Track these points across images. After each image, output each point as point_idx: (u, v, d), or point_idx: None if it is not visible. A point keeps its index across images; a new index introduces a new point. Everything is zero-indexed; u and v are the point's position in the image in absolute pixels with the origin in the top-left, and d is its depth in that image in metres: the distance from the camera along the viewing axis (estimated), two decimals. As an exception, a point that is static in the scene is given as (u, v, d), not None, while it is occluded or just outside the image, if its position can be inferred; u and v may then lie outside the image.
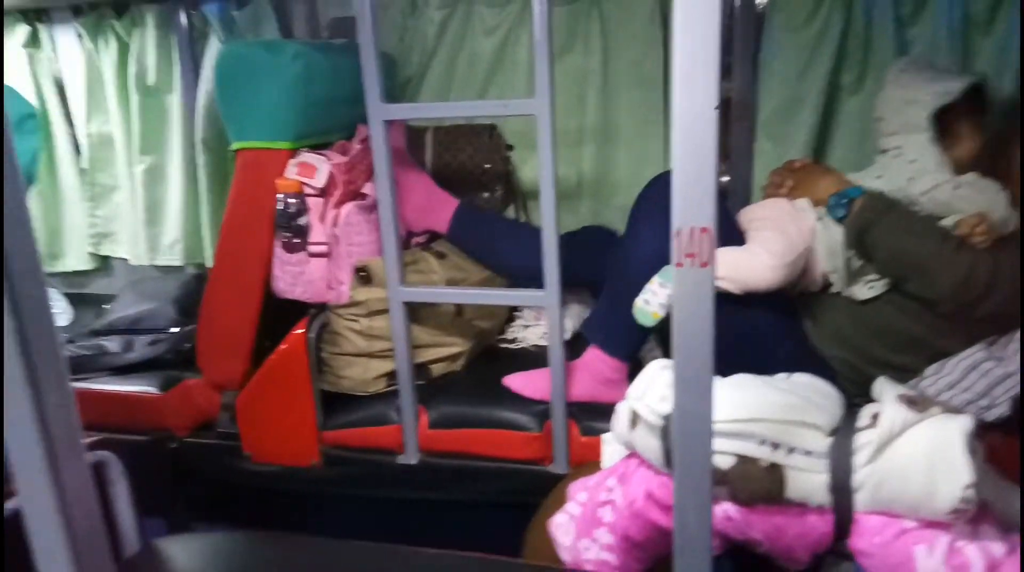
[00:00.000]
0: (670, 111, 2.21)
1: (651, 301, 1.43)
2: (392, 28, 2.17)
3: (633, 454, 1.11)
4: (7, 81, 2.32)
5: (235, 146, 1.69)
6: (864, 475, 0.93)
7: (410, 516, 1.79)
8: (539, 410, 1.62)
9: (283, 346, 1.69)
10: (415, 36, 2.16)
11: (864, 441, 0.94)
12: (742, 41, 1.94)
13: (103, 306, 2.18)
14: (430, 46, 2.16)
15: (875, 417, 0.95)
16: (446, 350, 1.79)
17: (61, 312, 2.19)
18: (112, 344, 1.94)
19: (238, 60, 1.64)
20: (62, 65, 2.43)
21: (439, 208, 1.87)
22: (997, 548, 0.91)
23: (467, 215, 1.88)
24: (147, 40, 2.28)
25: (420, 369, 1.73)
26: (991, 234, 1.32)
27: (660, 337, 1.63)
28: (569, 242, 1.57)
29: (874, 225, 1.39)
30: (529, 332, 1.94)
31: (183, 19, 2.25)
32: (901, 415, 0.93)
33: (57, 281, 2.55)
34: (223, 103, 1.68)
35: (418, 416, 1.67)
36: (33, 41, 2.39)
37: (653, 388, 1.04)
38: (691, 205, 0.82)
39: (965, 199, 1.37)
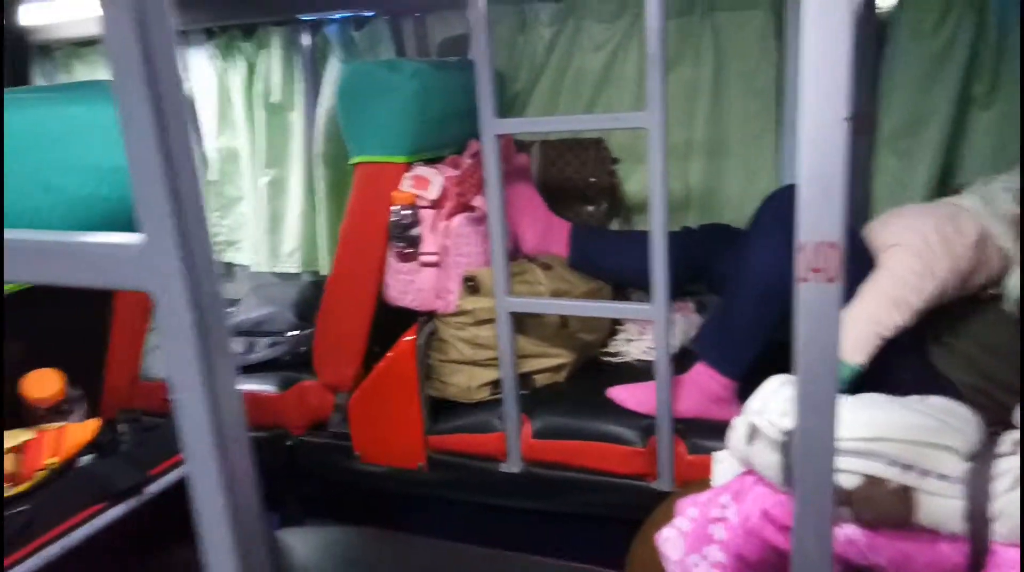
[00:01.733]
0: (782, 123, 2.17)
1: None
2: (502, 45, 2.22)
3: (749, 471, 1.09)
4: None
5: (354, 160, 1.77)
6: (1004, 504, 0.87)
7: (510, 524, 1.81)
8: (643, 425, 1.61)
9: (393, 352, 1.75)
10: (524, 52, 2.21)
11: (1005, 468, 0.88)
12: (863, 51, 1.87)
13: (227, 309, 2.31)
14: (539, 62, 2.19)
15: (1017, 444, 0.90)
16: (550, 361, 1.80)
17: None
18: (235, 345, 2.06)
19: (361, 78, 1.73)
20: (193, 84, 2.62)
21: (556, 234, 1.91)
22: None
23: (583, 237, 1.90)
24: (273, 60, 2.42)
25: (524, 379, 1.75)
26: None
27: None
28: (690, 238, 1.53)
29: None
30: (632, 346, 1.93)
31: (306, 40, 2.38)
32: (1045, 444, 0.88)
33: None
34: (345, 119, 1.76)
35: (521, 425, 1.69)
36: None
37: (773, 402, 1.02)
38: (818, 218, 0.80)
39: None
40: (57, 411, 1.10)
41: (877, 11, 1.86)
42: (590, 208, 2.17)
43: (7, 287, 1.01)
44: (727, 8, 1.99)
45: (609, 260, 1.88)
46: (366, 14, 2.30)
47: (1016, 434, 0.93)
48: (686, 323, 1.90)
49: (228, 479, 0.47)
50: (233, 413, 0.49)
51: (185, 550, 1.22)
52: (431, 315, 1.79)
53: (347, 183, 2.20)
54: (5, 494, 0.95)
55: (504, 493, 1.73)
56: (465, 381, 1.76)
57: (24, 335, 1.11)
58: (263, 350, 2.03)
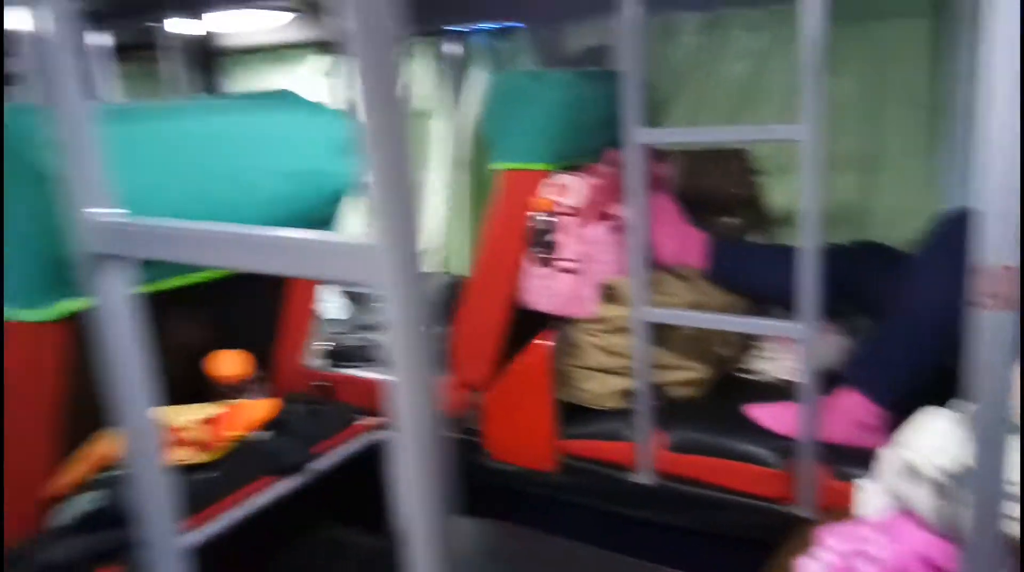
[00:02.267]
0: (944, 139, 2.03)
1: None
2: (645, 54, 2.21)
3: (900, 507, 1.04)
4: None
5: (498, 166, 1.82)
6: None
7: (636, 534, 1.80)
8: (782, 446, 1.56)
9: (528, 355, 1.78)
10: (667, 62, 2.19)
11: None
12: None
13: (373, 304, 2.44)
14: (682, 71, 2.17)
15: None
16: (685, 374, 1.78)
17: (340, 307, 2.49)
18: (377, 338, 2.17)
19: (508, 87, 1.78)
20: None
21: (692, 245, 1.88)
22: None
23: (722, 249, 1.87)
24: (420, 69, 2.54)
25: (657, 390, 1.74)
26: None
27: None
28: (839, 256, 1.48)
29: None
30: (772, 365, 1.87)
31: (452, 50, 2.48)
32: None
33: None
34: (491, 126, 1.82)
35: (652, 437, 1.68)
36: (332, 70, 2.76)
37: (928, 438, 0.97)
38: (998, 242, 0.77)
39: None
40: (240, 389, 1.22)
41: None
42: (729, 220, 2.12)
43: (200, 275, 1.12)
44: (885, 16, 1.89)
45: (749, 274, 1.84)
46: (510, 25, 2.37)
47: None
48: (829, 344, 1.82)
49: (427, 450, 0.52)
50: (436, 394, 0.54)
51: (336, 528, 1.31)
52: (567, 320, 1.82)
53: (485, 188, 2.27)
54: (197, 460, 1.06)
55: (633, 503, 1.73)
56: (598, 388, 1.78)
57: (214, 320, 1.23)
58: (402, 346, 2.12)
